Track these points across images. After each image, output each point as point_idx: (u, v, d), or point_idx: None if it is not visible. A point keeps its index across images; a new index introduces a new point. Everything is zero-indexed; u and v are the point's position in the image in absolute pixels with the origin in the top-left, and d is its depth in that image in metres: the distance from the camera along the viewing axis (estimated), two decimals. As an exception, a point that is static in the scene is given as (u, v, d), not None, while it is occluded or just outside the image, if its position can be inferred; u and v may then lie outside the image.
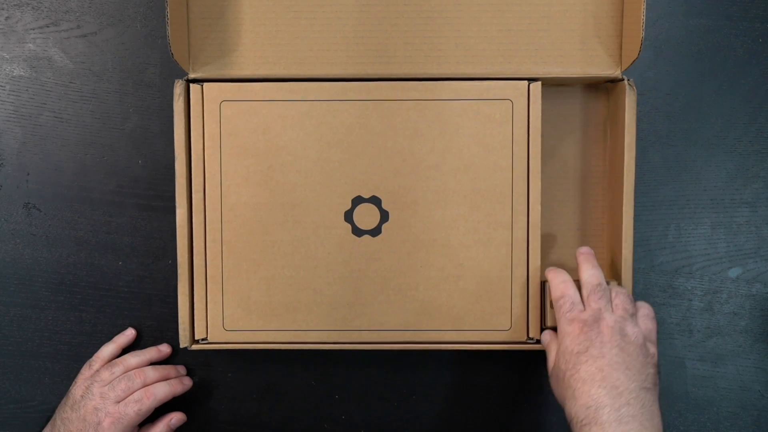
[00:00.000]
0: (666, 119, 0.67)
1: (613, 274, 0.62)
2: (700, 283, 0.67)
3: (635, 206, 0.59)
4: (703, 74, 0.67)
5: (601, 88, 0.63)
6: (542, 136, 0.59)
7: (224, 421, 0.68)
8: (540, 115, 0.59)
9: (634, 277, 0.59)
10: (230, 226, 0.59)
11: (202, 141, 0.59)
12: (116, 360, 0.62)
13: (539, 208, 0.59)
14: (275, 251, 0.59)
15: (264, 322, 0.60)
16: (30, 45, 0.66)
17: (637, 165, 0.59)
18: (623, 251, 0.59)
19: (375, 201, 0.59)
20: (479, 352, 0.61)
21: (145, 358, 0.63)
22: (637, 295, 0.67)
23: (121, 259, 0.67)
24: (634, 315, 0.54)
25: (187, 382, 0.63)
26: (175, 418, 0.62)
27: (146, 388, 0.59)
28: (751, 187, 0.67)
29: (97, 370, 0.60)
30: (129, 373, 0.60)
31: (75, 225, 0.66)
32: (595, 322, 0.52)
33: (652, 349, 0.53)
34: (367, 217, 0.59)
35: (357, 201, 0.59)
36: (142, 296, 0.67)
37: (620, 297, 0.55)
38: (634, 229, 0.59)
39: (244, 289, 0.59)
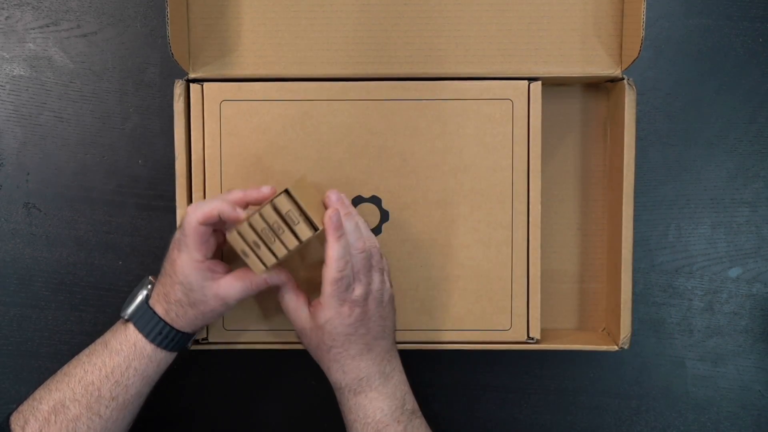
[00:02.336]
0: (666, 119, 0.67)
1: (613, 274, 0.62)
2: (700, 283, 0.67)
3: (635, 206, 0.59)
4: (703, 74, 0.67)
5: (601, 87, 0.63)
6: (542, 136, 0.59)
7: (224, 421, 0.68)
8: (540, 114, 0.59)
9: (634, 277, 0.59)
10: (230, 226, 0.59)
11: (202, 141, 0.59)
12: None
13: (539, 208, 0.59)
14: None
15: (264, 322, 0.60)
16: (30, 45, 0.66)
17: (637, 165, 0.59)
18: (623, 251, 0.59)
19: (375, 201, 0.59)
20: (479, 352, 0.61)
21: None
22: (637, 295, 0.67)
23: (121, 259, 0.67)
24: (384, 270, 0.55)
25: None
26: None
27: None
28: (751, 187, 0.67)
29: None
30: None
31: (75, 225, 0.66)
32: (365, 300, 0.53)
33: (391, 288, 0.56)
34: (367, 217, 0.59)
35: (357, 201, 0.59)
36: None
37: (375, 256, 0.54)
38: (634, 229, 0.59)
39: (244, 289, 0.59)
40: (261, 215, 0.51)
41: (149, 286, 0.55)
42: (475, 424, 0.68)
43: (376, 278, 0.54)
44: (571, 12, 0.59)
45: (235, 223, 0.51)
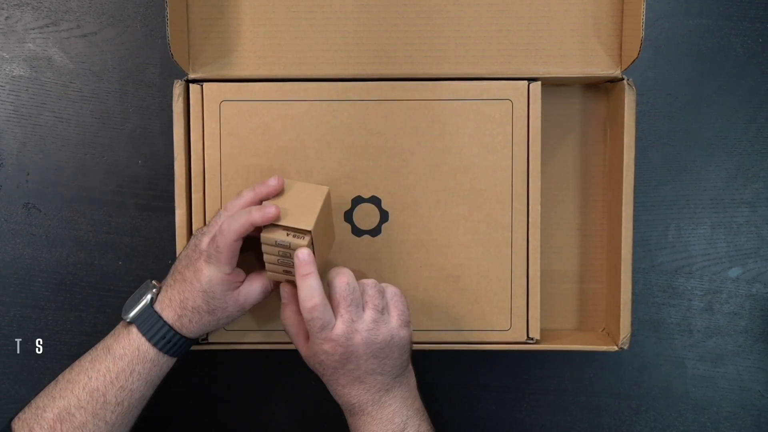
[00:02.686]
0: (666, 119, 0.67)
1: (613, 274, 0.62)
2: (700, 283, 0.67)
3: (635, 206, 0.59)
4: (703, 74, 0.67)
5: (601, 87, 0.63)
6: (542, 136, 0.59)
7: (224, 421, 0.68)
8: (540, 115, 0.59)
9: (633, 277, 0.59)
10: (230, 226, 0.59)
11: (202, 141, 0.59)
12: None
13: (539, 208, 0.59)
14: (275, 251, 0.59)
15: (264, 322, 0.60)
16: (30, 45, 0.66)
17: (637, 165, 0.59)
18: (623, 251, 0.59)
19: (375, 201, 0.59)
20: (479, 352, 0.61)
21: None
22: (637, 295, 0.67)
23: (121, 259, 0.67)
24: (384, 308, 0.52)
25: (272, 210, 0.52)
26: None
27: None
28: (751, 187, 0.67)
29: None
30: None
31: (75, 225, 0.66)
32: (348, 340, 0.50)
33: (404, 332, 0.53)
34: (367, 217, 0.59)
35: (357, 201, 0.59)
36: (142, 296, 0.66)
37: (368, 291, 0.52)
38: (634, 229, 0.59)
39: (244, 289, 0.59)
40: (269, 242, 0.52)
41: (154, 290, 0.55)
42: (475, 424, 0.68)
43: (367, 315, 0.51)
44: (570, 12, 0.59)
45: (266, 223, 0.51)
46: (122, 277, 0.67)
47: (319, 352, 0.51)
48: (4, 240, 0.66)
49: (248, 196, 0.54)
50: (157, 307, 0.54)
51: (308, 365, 0.55)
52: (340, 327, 0.50)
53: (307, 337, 0.53)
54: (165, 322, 0.53)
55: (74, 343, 0.67)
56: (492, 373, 0.68)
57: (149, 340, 0.53)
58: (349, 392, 0.53)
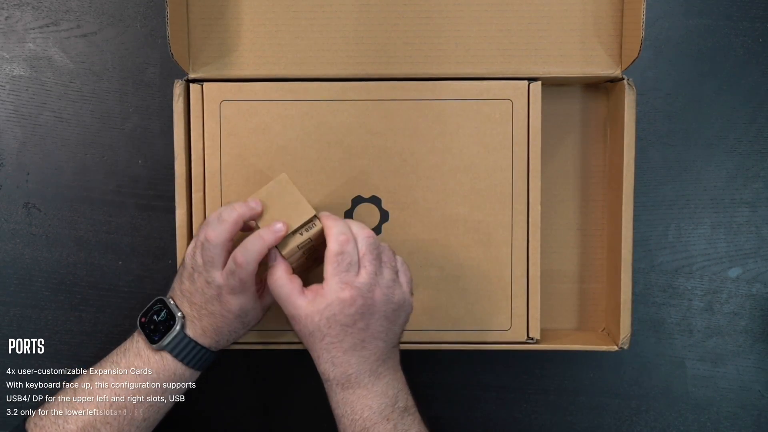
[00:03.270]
0: (666, 119, 0.67)
1: (613, 274, 0.62)
2: (700, 283, 0.67)
3: (635, 206, 0.59)
4: (703, 74, 0.67)
5: (601, 87, 0.63)
6: (542, 136, 0.59)
7: (224, 422, 0.68)
8: (540, 115, 0.59)
9: (633, 277, 0.59)
10: (230, 226, 0.59)
11: (202, 141, 0.59)
12: None
13: (539, 208, 0.59)
14: (275, 251, 0.59)
15: (264, 322, 0.60)
16: (30, 45, 0.66)
17: (637, 165, 0.59)
18: (623, 251, 0.59)
19: (375, 201, 0.59)
20: (479, 352, 0.61)
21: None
22: (637, 295, 0.67)
23: (121, 259, 0.67)
24: (398, 272, 0.53)
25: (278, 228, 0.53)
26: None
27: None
28: (751, 187, 0.67)
29: None
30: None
31: (75, 225, 0.66)
32: (370, 291, 0.49)
33: (411, 299, 0.53)
34: (367, 217, 0.59)
35: (357, 201, 0.59)
36: (142, 296, 0.66)
37: (387, 252, 0.52)
38: (634, 229, 0.59)
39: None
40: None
41: (181, 315, 0.53)
42: (475, 424, 0.68)
43: (386, 273, 0.51)
44: (570, 12, 0.59)
45: (280, 240, 0.52)
46: (122, 277, 0.67)
47: (334, 303, 0.49)
48: (4, 240, 0.66)
49: (231, 217, 0.52)
50: (191, 333, 0.53)
51: (301, 329, 0.51)
52: (364, 275, 0.50)
53: (305, 292, 0.51)
54: (203, 346, 0.53)
55: (74, 343, 0.67)
56: (492, 373, 0.68)
57: (187, 364, 0.53)
58: (349, 359, 0.51)
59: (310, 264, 0.56)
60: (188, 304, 0.53)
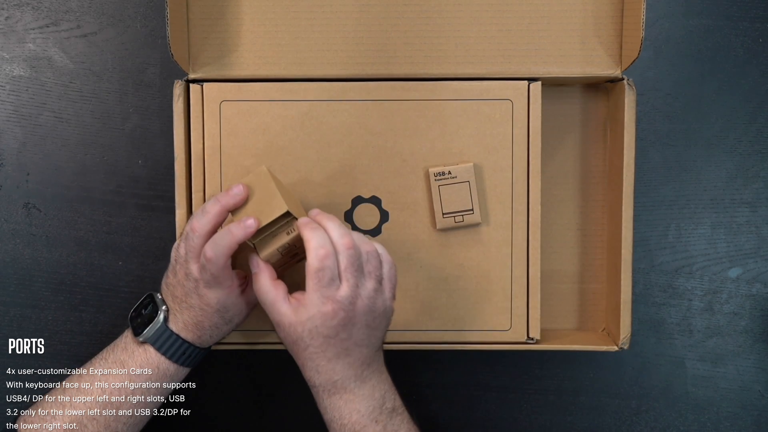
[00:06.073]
0: (666, 119, 0.67)
1: (613, 274, 0.62)
2: (700, 283, 0.67)
3: (635, 206, 0.59)
4: (703, 74, 0.67)
5: (601, 88, 0.63)
6: (542, 136, 0.59)
7: (224, 422, 0.68)
8: (540, 115, 0.59)
9: (633, 277, 0.59)
10: (230, 226, 0.59)
11: (202, 141, 0.59)
12: None
13: (539, 208, 0.59)
14: (275, 251, 0.59)
15: (264, 322, 0.60)
16: (30, 45, 0.66)
17: (637, 165, 0.59)
18: (623, 251, 0.59)
19: (375, 201, 0.59)
20: (479, 352, 0.61)
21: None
22: (637, 295, 0.67)
23: (121, 259, 0.67)
24: (382, 279, 0.52)
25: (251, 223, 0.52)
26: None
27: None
28: (751, 187, 0.67)
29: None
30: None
31: (75, 225, 0.66)
32: (351, 304, 0.49)
33: (393, 304, 0.53)
34: (367, 217, 0.59)
35: (357, 201, 0.59)
36: (141, 296, 0.66)
37: (371, 261, 0.51)
38: (634, 229, 0.59)
39: (244, 289, 0.59)
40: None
41: (164, 308, 0.54)
42: (475, 424, 0.68)
43: (368, 284, 0.50)
44: (571, 12, 0.59)
45: (251, 236, 0.51)
46: (122, 277, 0.67)
47: (316, 316, 0.49)
48: (4, 240, 0.66)
49: (215, 209, 0.52)
50: (173, 327, 0.53)
51: (285, 337, 0.51)
52: (345, 289, 0.49)
53: (289, 300, 0.51)
54: (185, 340, 0.53)
55: (74, 343, 0.67)
56: (492, 373, 0.68)
57: (170, 358, 0.53)
58: (334, 367, 0.51)
59: (292, 262, 0.56)
60: (171, 297, 0.54)
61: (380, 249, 0.53)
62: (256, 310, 0.59)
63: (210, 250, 0.50)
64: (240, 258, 0.55)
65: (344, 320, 0.49)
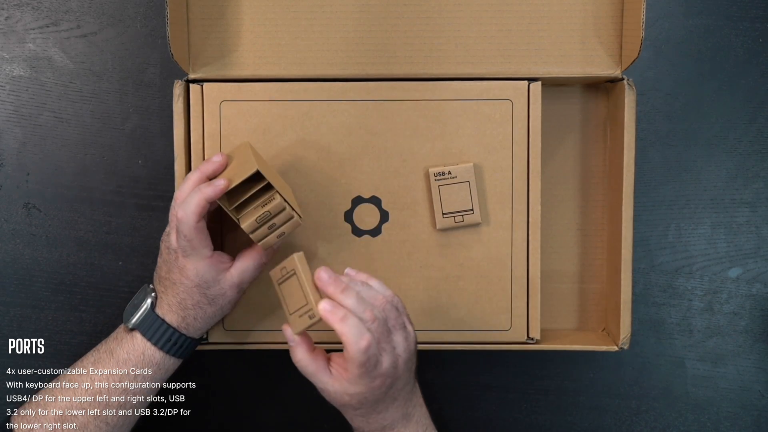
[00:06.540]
0: (666, 119, 0.67)
1: (613, 274, 0.62)
2: (700, 283, 0.67)
3: (635, 206, 0.59)
4: (703, 74, 0.67)
5: (601, 88, 0.63)
6: (542, 136, 0.59)
7: (224, 422, 0.68)
8: (540, 115, 0.59)
9: (633, 277, 0.59)
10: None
11: (202, 141, 0.59)
12: None
13: (539, 208, 0.59)
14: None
15: (264, 322, 0.60)
16: (30, 45, 0.66)
17: (637, 165, 0.59)
18: (623, 251, 0.59)
19: (375, 201, 0.59)
20: (479, 353, 0.61)
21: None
22: (637, 295, 0.67)
23: (121, 259, 0.67)
24: (403, 322, 0.51)
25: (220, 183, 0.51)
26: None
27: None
28: (751, 187, 0.67)
29: None
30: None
31: (75, 225, 0.66)
32: (395, 368, 0.50)
33: (412, 327, 0.53)
34: (367, 217, 0.59)
35: (357, 201, 0.59)
36: (142, 296, 0.66)
37: (389, 313, 0.50)
38: (634, 229, 0.59)
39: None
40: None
41: (153, 294, 0.55)
42: (475, 424, 0.68)
43: (399, 339, 0.50)
44: (571, 12, 0.59)
45: (220, 194, 0.51)
46: (122, 277, 0.67)
47: (365, 392, 0.49)
48: (4, 240, 0.66)
49: (194, 177, 0.53)
50: (160, 312, 0.54)
51: (331, 400, 0.52)
52: (387, 361, 0.49)
53: (330, 371, 0.51)
54: (169, 325, 0.53)
55: (74, 343, 0.67)
56: (492, 373, 0.68)
57: (155, 344, 0.53)
58: (384, 416, 0.52)
59: (273, 237, 0.53)
60: (158, 279, 0.55)
61: (379, 287, 0.52)
62: (254, 308, 0.59)
63: (181, 210, 0.51)
64: (228, 240, 0.57)
65: (391, 383, 0.50)
